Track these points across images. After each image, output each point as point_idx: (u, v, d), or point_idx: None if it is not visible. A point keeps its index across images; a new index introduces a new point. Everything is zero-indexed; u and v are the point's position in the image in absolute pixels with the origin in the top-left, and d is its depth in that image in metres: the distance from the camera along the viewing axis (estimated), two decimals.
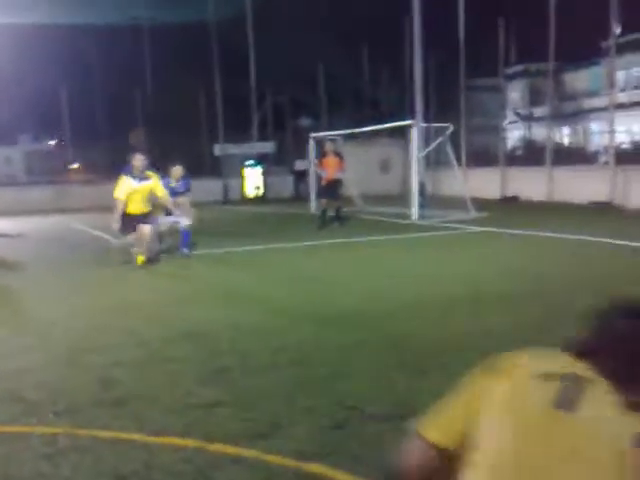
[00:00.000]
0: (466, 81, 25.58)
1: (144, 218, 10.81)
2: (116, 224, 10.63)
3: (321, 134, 22.66)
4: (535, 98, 38.15)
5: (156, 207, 11.37)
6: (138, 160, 10.77)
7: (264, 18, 31.12)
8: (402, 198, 20.36)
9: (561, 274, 9.13)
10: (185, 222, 11.87)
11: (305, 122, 40.46)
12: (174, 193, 11.77)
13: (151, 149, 22.19)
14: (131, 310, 7.72)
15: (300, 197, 25.93)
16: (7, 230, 17.42)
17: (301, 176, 27.71)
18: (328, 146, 16.99)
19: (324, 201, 16.57)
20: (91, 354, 5.91)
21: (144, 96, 33.58)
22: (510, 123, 33.90)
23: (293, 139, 33.80)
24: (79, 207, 25.31)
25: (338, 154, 16.64)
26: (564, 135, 37.67)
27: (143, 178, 10.76)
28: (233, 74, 32.15)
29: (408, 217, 17.39)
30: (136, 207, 10.71)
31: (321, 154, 17.43)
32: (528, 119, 37.02)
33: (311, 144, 21.95)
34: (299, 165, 28.68)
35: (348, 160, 17.16)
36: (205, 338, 6.31)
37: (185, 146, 35.17)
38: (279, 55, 34.61)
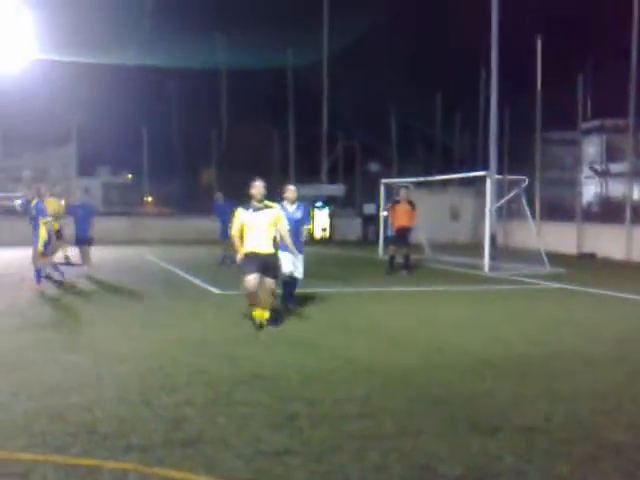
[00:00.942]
0: (541, 134, 25.27)
1: (266, 261, 8.79)
2: (240, 258, 8.82)
3: (392, 180, 22.69)
4: (611, 154, 37.38)
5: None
6: (256, 188, 8.75)
7: (340, 65, 31.64)
8: (472, 247, 20.08)
9: None
10: (300, 273, 10.29)
11: (374, 167, 40.71)
12: (293, 223, 9.79)
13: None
14: (201, 347, 7.77)
15: (367, 241, 25.92)
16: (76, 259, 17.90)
17: (369, 220, 27.75)
18: (402, 193, 16.92)
19: (393, 247, 16.48)
20: (162, 391, 5.95)
21: (219, 136, 34.44)
22: (586, 178, 33.21)
23: (362, 183, 33.99)
24: (152, 239, 25.94)
25: (411, 202, 16.59)
26: None
27: (260, 209, 8.78)
28: (306, 118, 32.72)
29: (479, 268, 17.09)
30: (254, 243, 8.74)
31: (394, 200, 17.40)
32: (605, 175, 36.20)
33: (382, 189, 21.98)
34: (367, 209, 28.77)
35: (418, 207, 17.07)
36: (273, 382, 6.27)
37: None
38: (353, 101, 35.07)
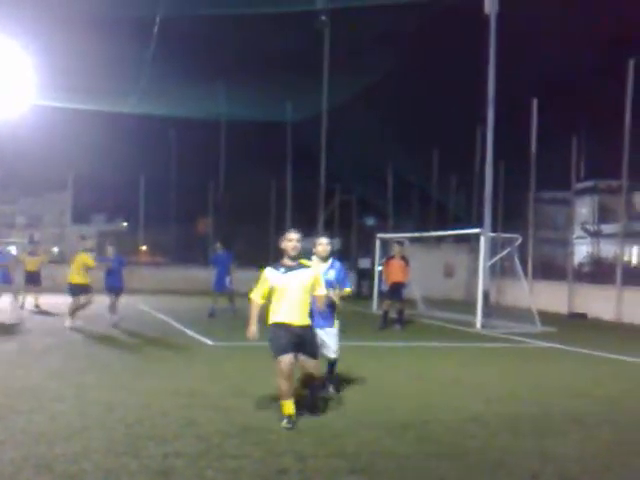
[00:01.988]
0: (535, 193, 25.58)
1: (303, 336, 6.90)
2: (252, 332, 6.93)
3: (387, 235, 22.83)
4: (604, 214, 37.78)
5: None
6: (292, 241, 7.03)
7: (338, 120, 32.15)
8: (465, 304, 20.11)
9: (634, 399, 8.73)
10: (333, 352, 8.06)
11: (370, 221, 40.97)
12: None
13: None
14: (192, 398, 7.70)
15: (362, 295, 25.92)
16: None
17: (364, 274, 27.78)
18: (396, 249, 16.99)
19: (387, 302, 16.50)
20: (150, 441, 5.88)
21: (216, 187, 34.73)
22: (578, 238, 33.47)
23: (357, 237, 34.15)
24: (146, 288, 25.77)
25: (404, 258, 16.68)
26: (634, 254, 36.90)
27: (295, 268, 6.96)
28: (304, 171, 33.08)
29: (471, 325, 17.09)
30: (286, 313, 6.86)
31: (388, 256, 17.47)
32: (597, 235, 36.51)
33: (377, 244, 22.09)
34: (362, 263, 28.82)
35: (412, 262, 17.15)
36: (264, 435, 6.21)
37: (252, 237, 35.97)
38: (350, 155, 35.54)
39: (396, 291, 16.33)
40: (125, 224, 47.23)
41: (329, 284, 7.76)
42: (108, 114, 31.30)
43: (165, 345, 12.26)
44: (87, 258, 14.74)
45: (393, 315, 16.35)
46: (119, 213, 48.56)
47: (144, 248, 37.57)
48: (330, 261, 8.09)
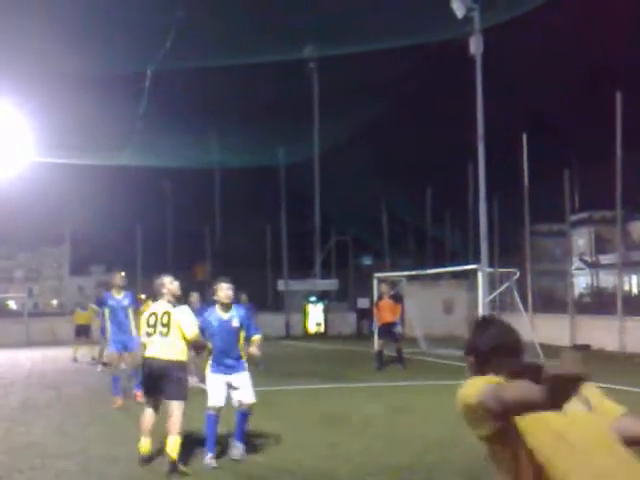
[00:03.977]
0: (530, 226, 25.68)
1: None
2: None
3: (384, 274, 22.84)
4: (601, 245, 37.92)
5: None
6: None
7: (331, 161, 32.46)
8: (466, 340, 19.99)
9: None
10: (248, 397, 7.39)
11: (367, 261, 41.04)
12: (230, 334, 7.43)
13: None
14: (197, 447, 7.59)
15: (362, 335, 25.85)
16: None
17: (363, 314, 27.75)
18: (383, 289, 17.08)
19: (380, 342, 16.47)
20: None
21: (212, 233, 34.86)
22: (577, 270, 33.53)
23: (355, 277, 34.16)
24: None
25: (393, 297, 16.82)
26: (634, 284, 36.91)
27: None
28: (298, 214, 33.27)
29: None
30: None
31: (378, 297, 17.54)
32: (595, 266, 36.58)
33: (374, 284, 22.08)
34: (361, 303, 28.79)
35: (411, 300, 17.16)
36: None
37: (249, 281, 35.92)
38: (344, 196, 35.79)
39: (387, 331, 16.32)
40: (123, 274, 47.22)
41: (234, 331, 7.35)
42: (103, 167, 31.59)
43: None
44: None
45: (391, 354, 16.29)
46: (117, 263, 48.65)
47: (143, 297, 37.45)
48: (235, 308, 7.51)
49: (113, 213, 36.63)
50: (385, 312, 16.39)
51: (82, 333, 19.29)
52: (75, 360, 18.47)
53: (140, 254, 32.81)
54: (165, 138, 29.01)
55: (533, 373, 2.38)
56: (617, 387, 12.51)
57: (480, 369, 2.76)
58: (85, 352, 18.70)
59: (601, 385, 10.02)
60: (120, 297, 11.35)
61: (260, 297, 29.61)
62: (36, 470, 6.78)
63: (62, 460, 7.19)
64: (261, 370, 15.39)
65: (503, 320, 2.85)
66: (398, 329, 16.48)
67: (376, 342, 16.71)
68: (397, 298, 16.80)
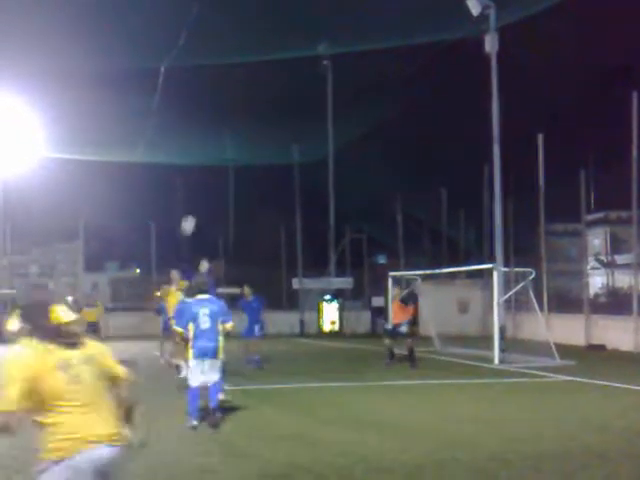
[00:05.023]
0: (546, 226, 25.52)
1: None
2: None
3: (399, 272, 22.81)
4: (617, 245, 37.61)
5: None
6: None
7: (346, 159, 32.39)
8: (481, 339, 19.92)
9: None
10: (214, 377, 8.89)
11: (382, 260, 40.95)
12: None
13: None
14: (208, 444, 7.62)
15: (376, 333, 25.83)
16: None
17: (378, 312, 27.72)
18: (395, 291, 17.67)
19: (387, 341, 16.61)
20: None
21: (226, 230, 34.91)
22: (592, 269, 33.30)
23: (370, 275, 34.09)
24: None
25: (404, 299, 17.02)
26: None
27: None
28: (313, 212, 33.22)
29: (489, 360, 16.92)
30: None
31: (392, 298, 17.79)
32: (610, 266, 36.30)
33: (389, 282, 22.04)
34: (376, 302, 28.77)
35: (426, 300, 17.18)
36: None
37: (264, 279, 35.97)
38: (359, 195, 35.71)
39: (396, 331, 16.54)
40: (138, 270, 47.43)
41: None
42: (117, 164, 31.70)
43: (175, 392, 12.14)
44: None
45: (402, 352, 16.37)
46: (131, 260, 48.76)
47: (158, 294, 37.59)
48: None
49: (127, 210, 36.73)
50: (394, 313, 16.89)
51: (91, 330, 19.12)
52: None
53: (154, 250, 32.93)
54: (179, 135, 29.09)
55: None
56: (633, 387, 12.41)
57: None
58: None
59: (617, 385, 9.83)
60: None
61: (275, 296, 29.63)
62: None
63: None
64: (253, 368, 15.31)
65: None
66: (403, 328, 16.60)
67: (386, 340, 16.86)
68: (411, 297, 16.95)
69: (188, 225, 13.95)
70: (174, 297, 13.38)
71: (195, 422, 8.50)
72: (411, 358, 16.12)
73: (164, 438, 8.01)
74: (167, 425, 8.90)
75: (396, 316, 16.72)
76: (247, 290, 16.15)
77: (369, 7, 23.14)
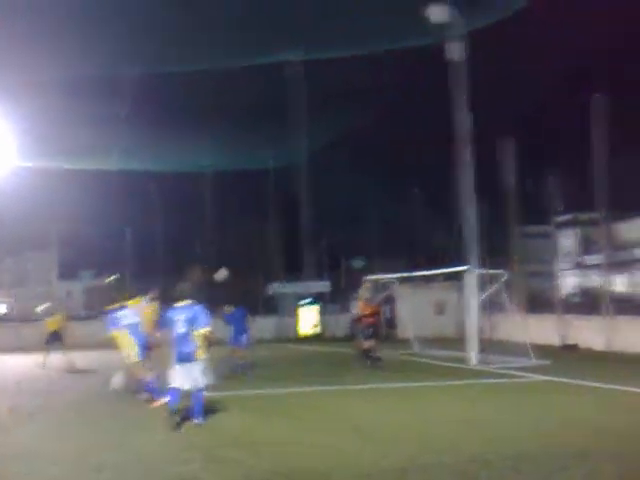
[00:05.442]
0: (519, 228, 25.82)
1: None
2: None
3: (375, 276, 22.91)
4: (587, 246, 38.09)
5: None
6: None
7: (321, 163, 32.49)
8: (458, 341, 20.12)
9: (634, 429, 8.74)
10: (201, 382, 9.25)
11: (358, 263, 41.06)
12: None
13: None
14: (187, 451, 7.61)
15: (355, 337, 25.99)
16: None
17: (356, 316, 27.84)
18: (361, 291, 18.15)
19: (367, 344, 16.96)
20: None
21: (202, 236, 34.81)
22: (564, 270, 33.72)
23: (347, 279, 34.23)
24: None
25: (369, 300, 17.65)
26: (620, 284, 37.05)
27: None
28: (289, 217, 33.28)
29: (466, 362, 17.10)
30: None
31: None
32: (581, 267, 36.80)
33: (364, 287, 22.12)
34: (354, 306, 28.86)
35: (404, 302, 17.38)
36: None
37: (240, 284, 35.89)
38: (334, 199, 35.83)
39: (361, 330, 17.32)
40: (112, 277, 47.11)
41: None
42: (91, 172, 31.45)
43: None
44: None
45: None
46: (107, 268, 48.40)
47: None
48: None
49: (102, 218, 36.49)
50: (361, 310, 17.53)
51: (54, 340, 18.75)
52: (44, 366, 18.14)
53: (130, 258, 32.73)
54: (152, 142, 28.96)
55: None
56: (607, 386, 12.64)
57: None
58: (55, 358, 18.43)
59: (591, 384, 10.01)
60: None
61: (251, 301, 29.59)
62: (28, 475, 6.77)
63: (52, 467, 7.16)
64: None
65: None
66: (368, 331, 17.03)
67: (365, 342, 17.15)
68: (388, 300, 17.27)
69: (221, 275, 14.51)
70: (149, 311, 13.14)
71: (175, 412, 9.00)
72: (367, 357, 16.65)
73: (144, 446, 8.01)
74: (147, 434, 8.89)
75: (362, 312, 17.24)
76: (227, 308, 16.25)
77: (339, 14, 23.28)
